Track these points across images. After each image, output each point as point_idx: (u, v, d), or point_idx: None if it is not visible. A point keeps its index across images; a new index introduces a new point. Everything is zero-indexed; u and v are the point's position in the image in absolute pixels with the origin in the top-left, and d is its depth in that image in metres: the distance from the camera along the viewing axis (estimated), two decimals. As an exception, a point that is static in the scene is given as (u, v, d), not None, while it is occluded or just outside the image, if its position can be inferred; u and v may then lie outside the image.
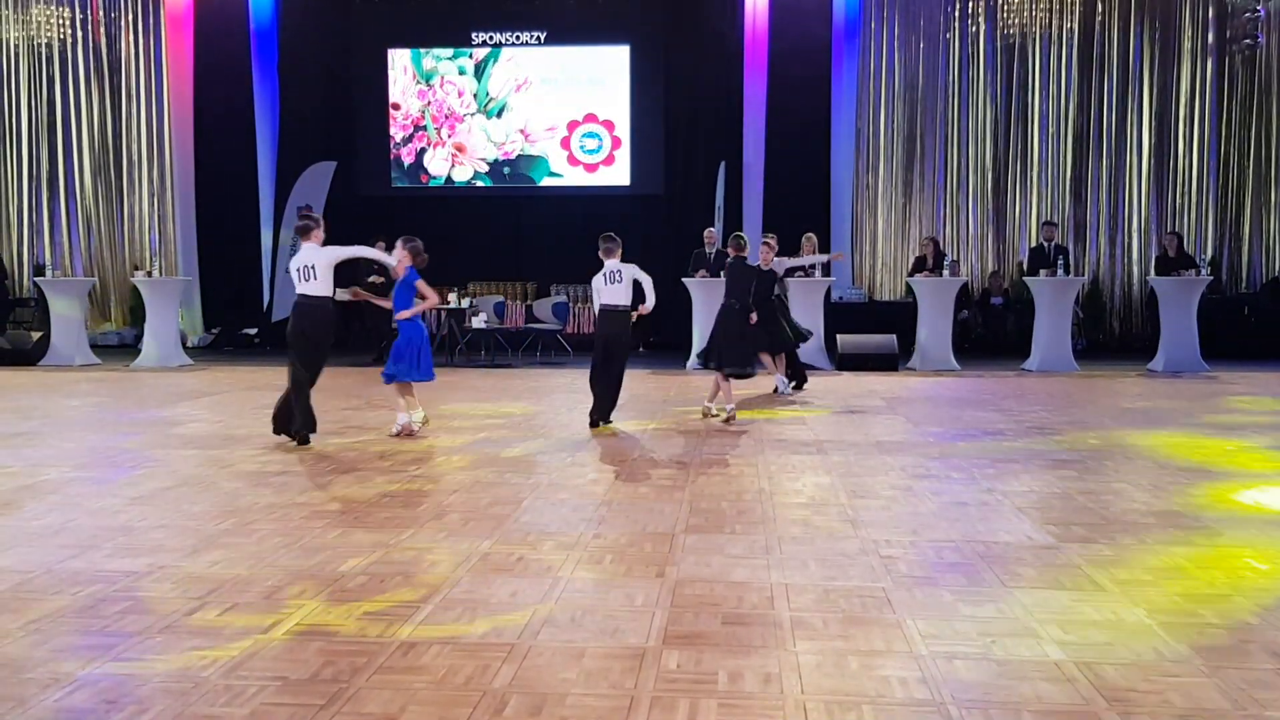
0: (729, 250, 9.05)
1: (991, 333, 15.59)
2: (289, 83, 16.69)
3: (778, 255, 11.22)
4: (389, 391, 8.22)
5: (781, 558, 4.52)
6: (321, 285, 7.38)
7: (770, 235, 11.13)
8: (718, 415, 8.65)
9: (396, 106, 17.05)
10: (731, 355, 8.62)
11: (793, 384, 10.76)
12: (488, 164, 16.99)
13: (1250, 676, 3.23)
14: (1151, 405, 9.61)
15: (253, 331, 16.34)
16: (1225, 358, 13.45)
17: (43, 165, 17.02)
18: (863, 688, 3.13)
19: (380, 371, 8.00)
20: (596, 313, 8.48)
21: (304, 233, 7.54)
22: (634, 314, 8.37)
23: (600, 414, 8.32)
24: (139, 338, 14.60)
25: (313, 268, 7.34)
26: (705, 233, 13.47)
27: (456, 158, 17.03)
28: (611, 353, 8.28)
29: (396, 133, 17.08)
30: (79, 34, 16.77)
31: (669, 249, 14.94)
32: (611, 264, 8.20)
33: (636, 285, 8.31)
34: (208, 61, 16.40)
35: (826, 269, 13.38)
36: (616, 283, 8.18)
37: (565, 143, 16.87)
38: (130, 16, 16.83)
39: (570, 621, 3.71)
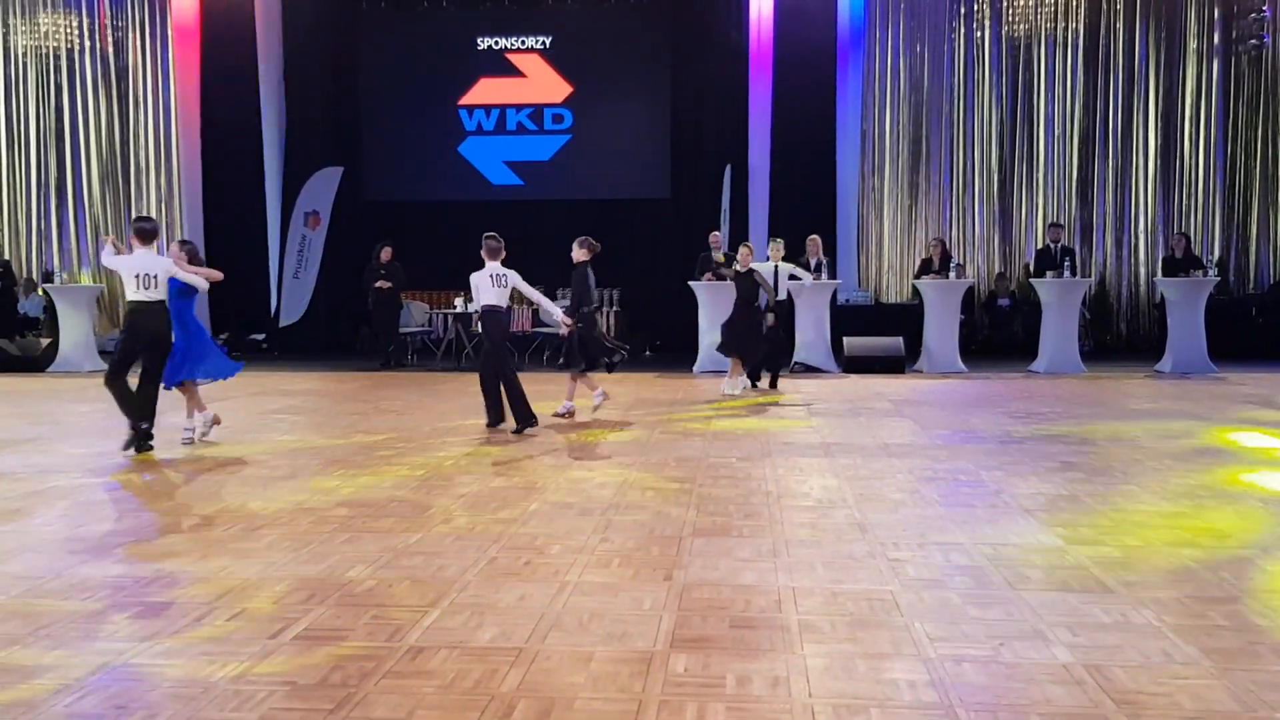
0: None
1: (998, 334, 15.55)
2: (295, 89, 16.73)
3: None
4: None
5: (789, 561, 4.52)
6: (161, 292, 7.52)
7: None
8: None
9: (402, 112, 17.07)
10: (598, 350, 9.12)
11: (754, 383, 11.02)
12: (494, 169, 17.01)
13: (1259, 678, 3.23)
14: (1159, 407, 9.59)
15: (260, 337, 16.35)
16: (1233, 359, 13.40)
17: (51, 172, 17.10)
18: (871, 691, 3.13)
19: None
20: (480, 313, 8.62)
21: (147, 237, 7.56)
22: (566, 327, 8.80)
23: (492, 419, 8.37)
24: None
25: (154, 276, 7.42)
26: (710, 236, 13.47)
27: (462, 163, 17.03)
28: (492, 354, 8.40)
29: (403, 137, 17.10)
30: (87, 42, 16.84)
31: (675, 252, 14.94)
32: (494, 266, 8.33)
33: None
34: (215, 68, 16.44)
35: (832, 271, 13.37)
36: (502, 285, 8.34)
37: (571, 147, 16.87)
38: (138, 24, 16.91)
39: (578, 625, 3.72)
